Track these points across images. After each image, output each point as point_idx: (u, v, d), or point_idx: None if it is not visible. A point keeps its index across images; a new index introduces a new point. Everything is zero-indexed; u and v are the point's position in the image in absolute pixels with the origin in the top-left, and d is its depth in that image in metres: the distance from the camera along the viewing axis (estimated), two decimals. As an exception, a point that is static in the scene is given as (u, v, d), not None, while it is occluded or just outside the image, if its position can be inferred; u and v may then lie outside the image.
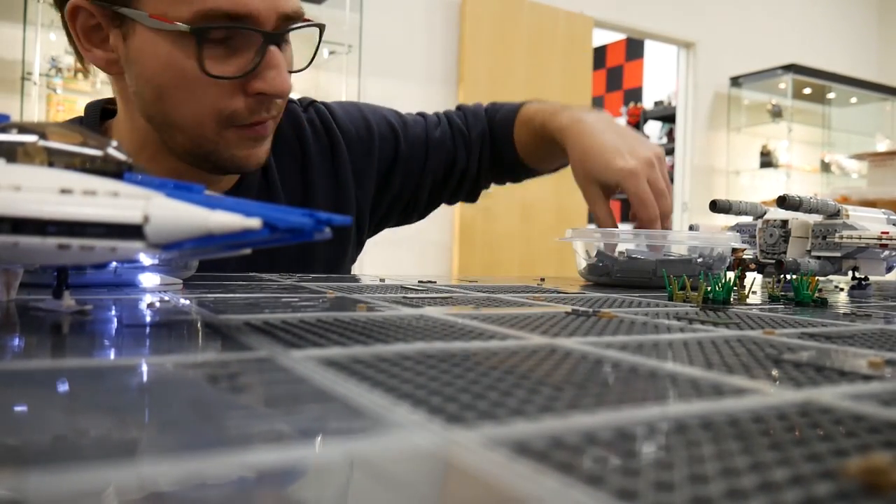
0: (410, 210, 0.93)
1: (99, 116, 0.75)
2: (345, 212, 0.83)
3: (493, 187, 1.00)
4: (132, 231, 0.27)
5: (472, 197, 0.97)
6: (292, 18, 0.64)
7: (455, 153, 0.90)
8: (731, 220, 0.82)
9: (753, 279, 0.77)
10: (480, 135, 0.91)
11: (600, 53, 6.03)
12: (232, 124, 0.64)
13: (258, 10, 0.60)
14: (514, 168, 0.94)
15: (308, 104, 0.86)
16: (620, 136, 0.78)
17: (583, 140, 0.78)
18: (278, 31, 0.63)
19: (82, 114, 0.78)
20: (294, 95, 0.79)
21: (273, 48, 0.63)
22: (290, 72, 0.66)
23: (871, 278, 0.77)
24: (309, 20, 0.67)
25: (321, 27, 0.69)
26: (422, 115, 0.92)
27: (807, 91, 4.72)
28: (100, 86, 2.72)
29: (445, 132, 0.90)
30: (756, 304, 0.53)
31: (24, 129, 0.30)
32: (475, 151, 0.91)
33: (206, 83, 0.62)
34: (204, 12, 0.59)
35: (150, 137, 0.68)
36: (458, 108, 0.95)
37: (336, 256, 0.84)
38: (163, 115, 0.65)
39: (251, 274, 0.68)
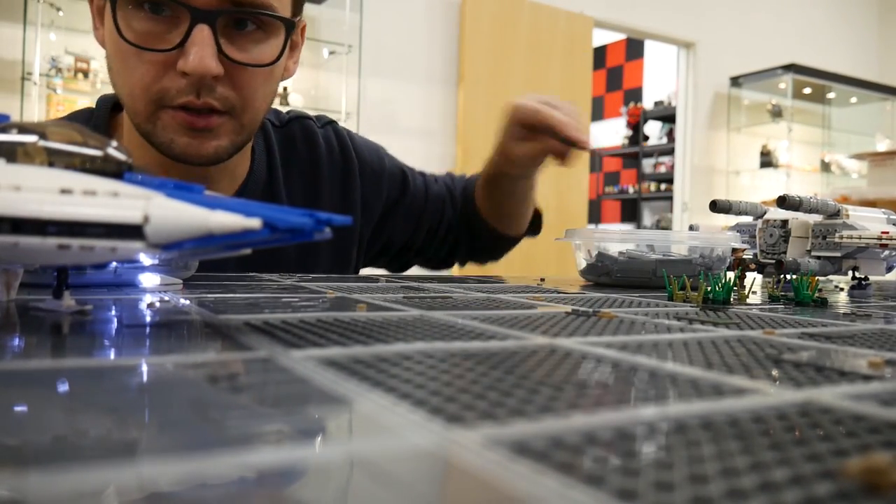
0: (402, 254, 0.96)
1: (110, 109, 0.76)
2: (349, 234, 0.86)
3: None
4: (132, 231, 0.27)
5: (446, 264, 1.02)
6: (241, 3, 0.61)
7: (444, 207, 0.95)
8: (731, 220, 0.82)
9: (753, 279, 0.77)
10: (461, 192, 0.97)
11: (600, 53, 6.04)
12: (163, 104, 0.63)
13: None
14: (482, 232, 0.96)
15: (326, 122, 0.88)
16: None
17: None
18: (213, 9, 0.60)
19: (93, 106, 0.78)
20: (301, 106, 0.79)
21: (202, 27, 0.60)
22: (257, 66, 0.64)
23: (871, 278, 0.77)
24: (268, 11, 0.63)
25: (286, 21, 0.65)
26: (421, 173, 0.98)
27: (807, 91, 4.72)
28: (100, 86, 2.72)
29: (441, 188, 0.96)
30: (756, 304, 0.53)
31: (24, 129, 0.30)
32: (458, 207, 0.96)
33: (138, 56, 0.62)
34: None
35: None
36: (446, 174, 1.02)
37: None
38: (117, 89, 0.66)
39: (251, 274, 0.68)
